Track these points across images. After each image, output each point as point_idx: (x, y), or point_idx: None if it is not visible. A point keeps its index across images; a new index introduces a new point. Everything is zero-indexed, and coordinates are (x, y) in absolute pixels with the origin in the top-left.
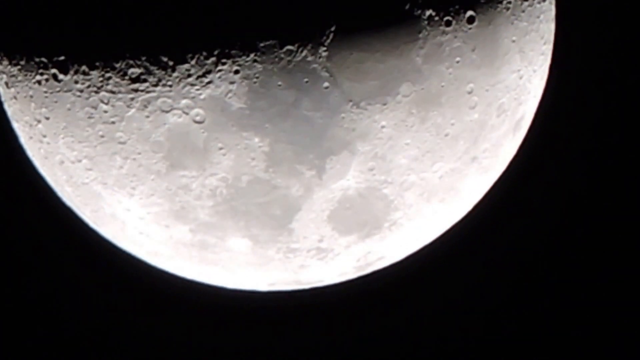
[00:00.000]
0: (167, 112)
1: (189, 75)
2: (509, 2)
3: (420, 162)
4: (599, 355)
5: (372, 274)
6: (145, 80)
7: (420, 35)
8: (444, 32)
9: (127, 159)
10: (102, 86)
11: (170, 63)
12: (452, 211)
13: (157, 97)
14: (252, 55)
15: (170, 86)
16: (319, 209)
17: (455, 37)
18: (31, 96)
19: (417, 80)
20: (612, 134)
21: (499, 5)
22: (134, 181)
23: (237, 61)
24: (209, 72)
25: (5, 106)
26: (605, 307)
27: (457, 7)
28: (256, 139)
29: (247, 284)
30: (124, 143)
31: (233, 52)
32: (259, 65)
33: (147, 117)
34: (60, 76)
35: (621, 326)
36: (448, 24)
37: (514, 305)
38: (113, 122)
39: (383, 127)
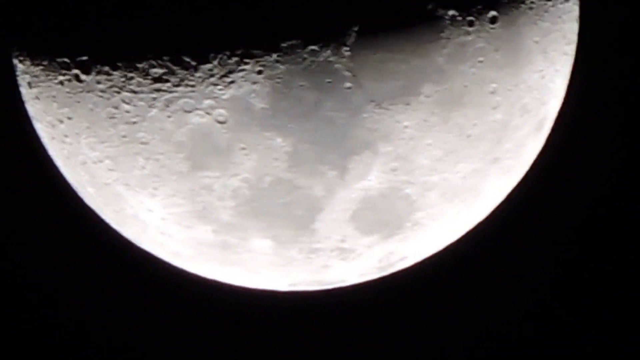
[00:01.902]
0: (190, 112)
1: (212, 75)
2: (532, 2)
3: (442, 163)
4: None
5: (394, 274)
6: (167, 80)
7: (443, 35)
8: (466, 32)
9: (149, 159)
10: (124, 86)
11: (193, 63)
12: (474, 212)
13: (180, 97)
14: (274, 55)
15: (193, 86)
16: (341, 209)
17: (478, 37)
18: (53, 96)
19: (440, 81)
20: (636, 134)
21: (522, 5)
22: (156, 182)
23: (259, 61)
24: (231, 72)
25: (28, 106)
26: (635, 311)
27: (479, 7)
28: (279, 139)
29: (269, 284)
30: (146, 143)
31: (256, 52)
32: (281, 66)
33: (169, 117)
34: (83, 76)
35: None
36: (471, 24)
37: (537, 307)
38: (135, 123)
39: (405, 127)
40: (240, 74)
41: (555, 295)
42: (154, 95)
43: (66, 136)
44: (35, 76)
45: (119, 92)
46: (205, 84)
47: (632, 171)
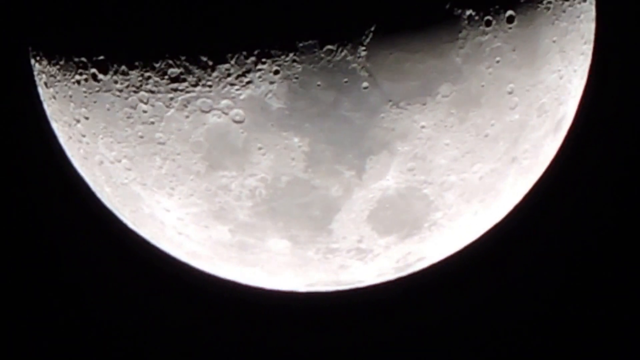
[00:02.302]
0: (207, 112)
1: (229, 75)
2: (549, 2)
3: (460, 163)
4: None
5: (412, 275)
6: (184, 80)
7: (460, 35)
8: (484, 32)
9: (166, 159)
10: (141, 86)
11: (210, 63)
12: (492, 212)
13: (197, 97)
14: (291, 55)
15: (210, 86)
16: (359, 209)
17: (495, 37)
18: (70, 96)
19: (457, 81)
20: None
21: (540, 5)
22: (173, 181)
23: (276, 61)
24: (248, 71)
25: (45, 106)
26: None
27: (497, 6)
28: (296, 139)
29: (287, 284)
30: (163, 143)
31: (273, 52)
32: (298, 65)
33: (187, 117)
34: (100, 76)
35: None
36: (488, 23)
37: (557, 307)
38: (152, 122)
39: (423, 127)
40: (257, 73)
41: (576, 295)
42: (171, 95)
43: (83, 136)
44: (52, 76)
45: (136, 92)
46: (222, 83)
47: None
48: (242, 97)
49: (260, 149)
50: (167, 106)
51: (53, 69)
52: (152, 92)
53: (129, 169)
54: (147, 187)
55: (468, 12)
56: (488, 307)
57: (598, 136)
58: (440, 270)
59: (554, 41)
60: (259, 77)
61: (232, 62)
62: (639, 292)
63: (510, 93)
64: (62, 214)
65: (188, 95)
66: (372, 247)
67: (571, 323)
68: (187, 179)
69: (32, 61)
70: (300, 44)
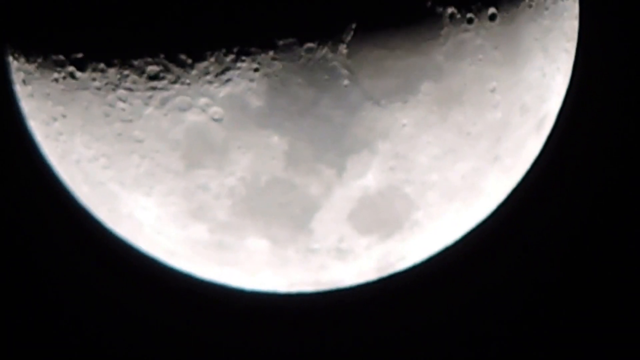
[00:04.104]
0: (186, 110)
1: (208, 73)
2: (532, 0)
3: (441, 161)
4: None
5: (393, 275)
6: (163, 78)
7: (442, 33)
8: (465, 30)
9: (144, 157)
10: (119, 84)
11: (189, 61)
12: (475, 211)
13: (175, 95)
14: (271, 53)
15: (189, 84)
16: (339, 208)
17: (477, 34)
18: (48, 94)
19: (439, 78)
20: (637, 132)
21: (521, 2)
22: (151, 180)
23: (256, 59)
24: (228, 69)
25: (22, 104)
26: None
27: (479, 4)
28: (275, 138)
29: (266, 284)
30: (141, 141)
31: (252, 49)
32: (278, 63)
33: (165, 115)
34: (78, 74)
35: None
36: (470, 21)
37: (538, 307)
38: (130, 120)
39: (404, 125)
40: (237, 71)
41: (557, 294)
42: (150, 93)
43: (60, 134)
44: (30, 73)
45: (114, 90)
46: (201, 81)
47: (633, 169)
48: (221, 95)
49: (239, 147)
50: (146, 104)
51: (31, 67)
52: (130, 90)
53: (107, 168)
54: (125, 186)
55: (450, 10)
56: (470, 307)
57: (581, 134)
58: (422, 270)
59: (536, 39)
60: (238, 75)
61: (211, 59)
62: (623, 289)
63: (492, 91)
64: (38, 213)
65: (166, 93)
66: (353, 246)
67: (554, 321)
68: (165, 178)
69: (10, 58)
70: (280, 42)
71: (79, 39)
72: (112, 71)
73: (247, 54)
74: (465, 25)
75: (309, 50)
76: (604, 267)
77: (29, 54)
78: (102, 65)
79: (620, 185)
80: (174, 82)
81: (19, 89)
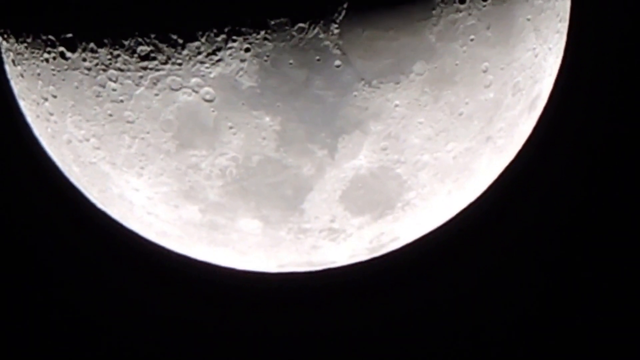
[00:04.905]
0: (177, 90)
1: (199, 53)
2: None
3: (434, 142)
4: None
5: (385, 255)
6: (154, 58)
7: (434, 13)
8: (458, 10)
9: (135, 138)
10: (110, 64)
11: (180, 41)
12: (467, 191)
13: (167, 75)
14: (263, 33)
15: (180, 64)
16: (331, 189)
17: (470, 14)
18: (38, 74)
19: (431, 59)
20: (629, 112)
21: None
22: (142, 161)
23: (247, 39)
24: (219, 49)
25: (12, 84)
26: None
27: None
28: (267, 118)
29: (258, 265)
30: (132, 122)
31: (244, 29)
32: (270, 43)
33: (156, 95)
34: (68, 54)
35: None
36: (462, 1)
37: (529, 286)
38: (121, 101)
39: (396, 106)
40: (228, 51)
41: (549, 273)
42: (141, 73)
43: (51, 114)
44: (20, 53)
45: (105, 70)
46: (192, 62)
47: (625, 150)
48: (212, 75)
49: (231, 127)
50: (137, 84)
51: (21, 47)
52: (121, 70)
53: (98, 148)
54: (116, 167)
55: None
56: (462, 287)
57: (573, 115)
58: (414, 251)
59: (528, 19)
60: (230, 55)
61: (203, 40)
62: (615, 270)
63: (484, 71)
64: (29, 193)
65: (158, 73)
66: (345, 227)
67: (547, 300)
68: (156, 158)
69: (0, 39)
70: (272, 22)
71: (69, 19)
72: (102, 51)
73: (239, 34)
74: (457, 5)
75: (301, 30)
76: (595, 246)
77: (18, 34)
78: (92, 46)
79: (611, 164)
80: (165, 63)
81: (9, 69)
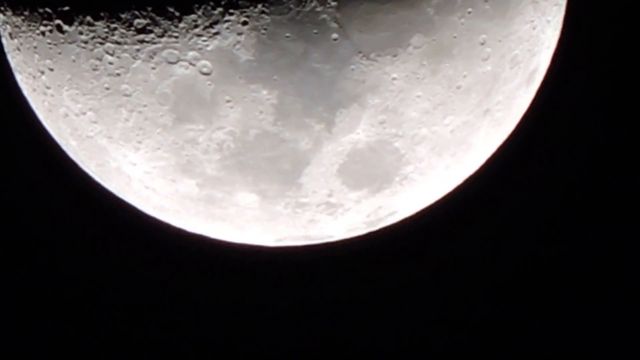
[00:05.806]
0: (174, 63)
1: (196, 26)
2: None
3: (431, 115)
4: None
5: (383, 229)
6: (151, 31)
7: None
8: None
9: (132, 111)
10: (107, 37)
11: (177, 13)
12: (465, 165)
13: (163, 48)
14: (260, 6)
15: (177, 37)
16: (329, 162)
17: None
18: (35, 47)
19: (429, 32)
20: (628, 86)
21: None
22: (139, 134)
23: (245, 12)
24: (216, 22)
25: (9, 57)
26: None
27: None
28: (264, 92)
29: (255, 239)
30: (129, 95)
31: (241, 2)
32: (267, 16)
33: (153, 68)
34: (65, 27)
35: None
36: None
37: (527, 260)
38: (118, 74)
39: (394, 79)
40: (225, 24)
41: (546, 248)
42: (138, 46)
43: (48, 88)
44: (17, 26)
45: (102, 43)
46: (189, 35)
47: (623, 123)
48: (209, 48)
49: (228, 101)
50: (134, 57)
51: (17, 20)
52: (118, 43)
53: (95, 122)
54: (113, 140)
55: None
56: (460, 262)
57: (572, 88)
58: (412, 225)
59: None
60: (227, 28)
61: (199, 12)
62: (609, 248)
63: (482, 44)
64: (26, 166)
65: (154, 46)
66: (343, 201)
67: (539, 277)
68: (153, 132)
69: None
70: None
71: None
72: (99, 24)
73: (236, 7)
74: None
75: (298, 3)
76: (592, 220)
77: (15, 7)
78: (89, 19)
79: (609, 139)
80: (162, 36)
81: (6, 43)
